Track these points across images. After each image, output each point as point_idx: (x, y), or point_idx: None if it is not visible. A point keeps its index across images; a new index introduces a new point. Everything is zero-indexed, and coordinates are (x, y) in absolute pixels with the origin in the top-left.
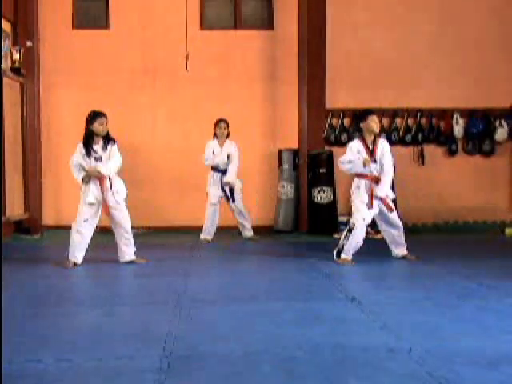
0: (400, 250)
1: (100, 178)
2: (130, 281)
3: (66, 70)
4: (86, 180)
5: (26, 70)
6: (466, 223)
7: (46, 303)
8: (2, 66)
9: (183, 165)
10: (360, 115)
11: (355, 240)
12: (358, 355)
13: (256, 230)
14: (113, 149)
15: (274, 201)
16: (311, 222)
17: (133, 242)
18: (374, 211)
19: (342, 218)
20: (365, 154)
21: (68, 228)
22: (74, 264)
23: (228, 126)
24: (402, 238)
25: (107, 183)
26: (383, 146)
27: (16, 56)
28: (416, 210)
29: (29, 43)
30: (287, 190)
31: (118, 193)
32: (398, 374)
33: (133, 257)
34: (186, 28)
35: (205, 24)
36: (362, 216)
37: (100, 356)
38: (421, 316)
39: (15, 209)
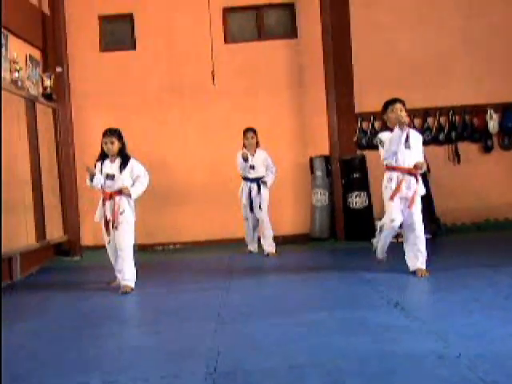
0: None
1: (105, 195)
2: (170, 297)
3: (95, 93)
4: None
5: (58, 95)
6: (506, 220)
7: (90, 324)
8: (32, 91)
9: (215, 179)
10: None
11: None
12: (407, 364)
13: (292, 238)
14: (135, 169)
15: (309, 209)
16: (348, 228)
17: (126, 269)
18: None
19: (379, 222)
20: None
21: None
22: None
23: (256, 135)
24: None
25: (110, 203)
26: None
27: (47, 82)
28: (454, 209)
29: (59, 69)
30: (321, 197)
31: (123, 214)
32: (448, 382)
33: (124, 283)
34: (211, 43)
35: (229, 37)
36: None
37: (146, 376)
38: (468, 319)
39: (54, 232)
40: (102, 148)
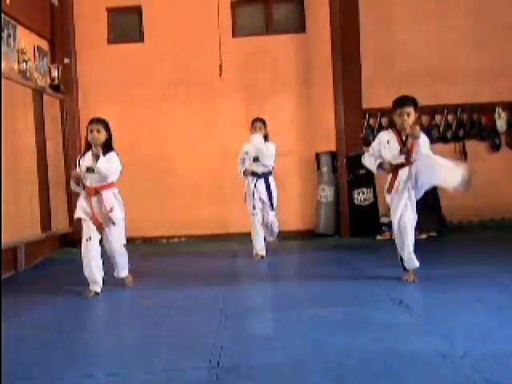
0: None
1: (89, 191)
2: (173, 291)
3: (102, 85)
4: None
5: (65, 87)
6: None
7: (93, 317)
8: (40, 82)
9: (221, 173)
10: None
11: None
12: (410, 362)
13: (297, 234)
14: (112, 160)
15: (314, 204)
16: (353, 224)
17: (120, 265)
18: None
19: (384, 219)
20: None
21: None
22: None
23: (265, 127)
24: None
25: (97, 198)
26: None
27: (55, 73)
28: (461, 207)
29: (66, 60)
30: (327, 193)
31: (112, 211)
32: (452, 381)
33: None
34: (219, 37)
35: (237, 31)
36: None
37: (149, 369)
38: (472, 318)
39: (60, 223)
40: (86, 139)
